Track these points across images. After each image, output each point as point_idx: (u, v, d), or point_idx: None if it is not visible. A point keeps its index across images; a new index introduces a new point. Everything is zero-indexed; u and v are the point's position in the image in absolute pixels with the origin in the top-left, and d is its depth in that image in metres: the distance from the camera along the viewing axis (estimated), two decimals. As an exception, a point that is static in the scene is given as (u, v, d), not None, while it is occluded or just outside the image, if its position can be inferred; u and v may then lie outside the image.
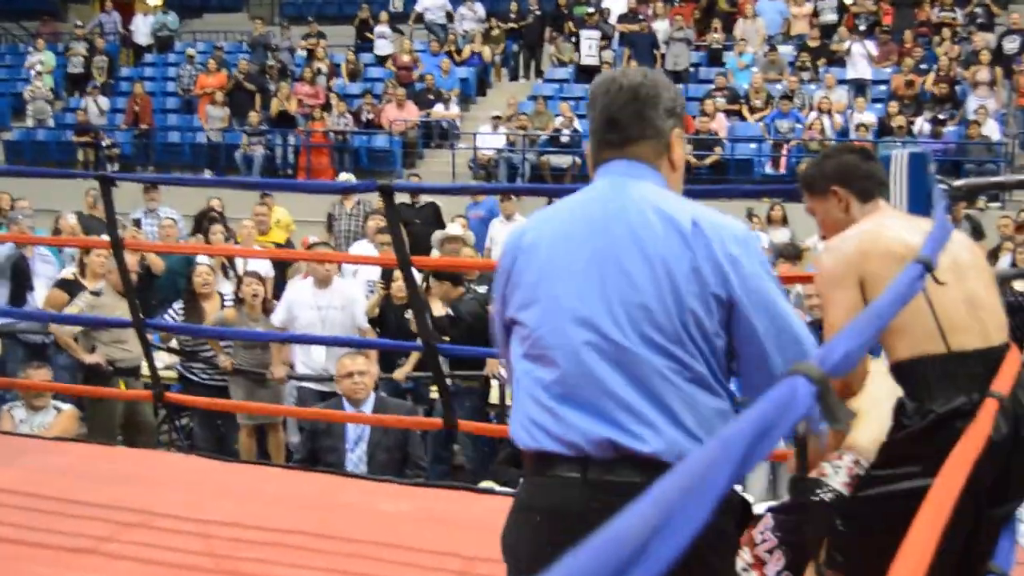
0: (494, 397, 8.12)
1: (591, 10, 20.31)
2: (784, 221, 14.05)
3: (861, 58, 18.61)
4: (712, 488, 0.93)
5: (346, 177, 16.28)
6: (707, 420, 2.31)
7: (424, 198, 14.44)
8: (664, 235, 2.38)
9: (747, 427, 1.10)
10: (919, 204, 4.09)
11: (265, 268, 10.33)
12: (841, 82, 18.42)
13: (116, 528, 4.83)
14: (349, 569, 4.38)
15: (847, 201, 3.36)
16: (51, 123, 21.27)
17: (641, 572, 0.76)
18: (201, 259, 9.04)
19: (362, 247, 11.24)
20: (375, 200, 12.15)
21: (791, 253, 9.41)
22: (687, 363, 2.33)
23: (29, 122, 21.42)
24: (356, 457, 6.70)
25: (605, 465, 2.30)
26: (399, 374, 8.00)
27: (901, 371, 3.15)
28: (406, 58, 20.45)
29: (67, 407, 7.43)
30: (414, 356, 8.10)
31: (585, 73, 19.56)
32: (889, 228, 3.21)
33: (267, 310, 8.28)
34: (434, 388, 7.95)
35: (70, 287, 9.10)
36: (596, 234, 2.43)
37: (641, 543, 0.78)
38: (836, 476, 3.23)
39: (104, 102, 20.82)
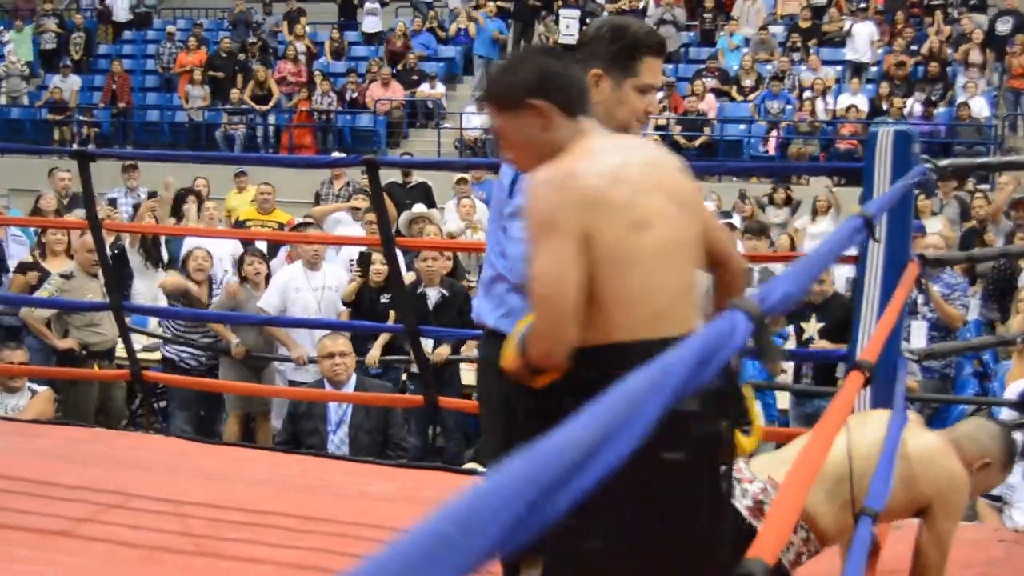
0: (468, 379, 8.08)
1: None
2: (787, 202, 14.09)
3: (864, 39, 18.59)
4: (649, 410, 0.99)
5: (337, 156, 16.27)
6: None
7: (415, 178, 14.46)
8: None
9: (688, 355, 1.17)
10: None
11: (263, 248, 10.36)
12: (830, 63, 18.47)
13: (94, 510, 4.85)
14: (331, 549, 4.40)
15: (549, 116, 2.66)
16: (25, 101, 21.15)
17: (575, 484, 0.81)
18: (194, 243, 9.02)
19: (340, 225, 11.25)
20: (364, 182, 12.13)
21: (755, 229, 9.45)
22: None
23: (3, 100, 21.30)
24: (338, 439, 6.73)
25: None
26: (369, 358, 7.98)
27: (604, 355, 2.54)
28: (399, 43, 20.38)
29: (42, 389, 7.43)
30: (382, 339, 8.07)
31: (569, 52, 19.53)
32: (612, 165, 2.58)
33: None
34: (407, 371, 8.00)
35: (32, 269, 9.10)
36: None
37: (581, 457, 0.82)
38: (742, 498, 3.15)
39: (77, 80, 20.71)
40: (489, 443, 3.24)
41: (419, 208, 10.92)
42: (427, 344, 7.24)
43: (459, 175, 13.04)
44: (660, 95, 17.88)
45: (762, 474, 3.19)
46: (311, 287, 8.15)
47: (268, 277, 8.45)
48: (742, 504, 3.12)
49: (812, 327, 7.17)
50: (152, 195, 12.50)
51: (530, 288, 2.54)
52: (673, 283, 2.58)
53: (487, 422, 3.27)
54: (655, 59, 2.99)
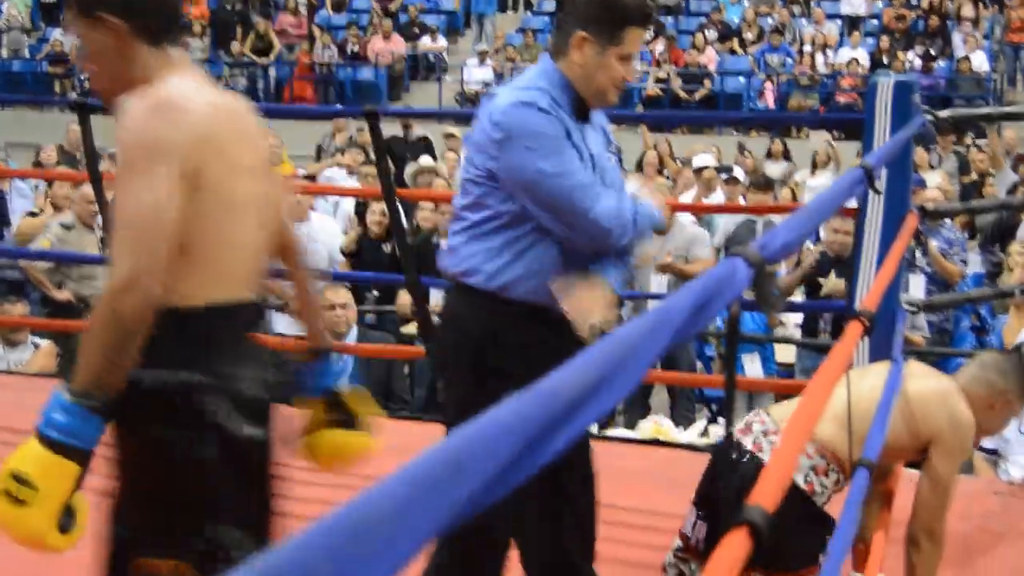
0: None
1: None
2: (784, 155, 14.06)
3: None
4: (648, 354, 0.98)
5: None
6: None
7: (416, 131, 14.41)
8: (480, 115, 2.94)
9: (687, 299, 1.15)
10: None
11: None
12: (832, 16, 18.37)
13: (94, 462, 4.84)
14: (332, 500, 4.40)
15: (123, 38, 2.31)
16: (26, 54, 21.03)
17: (571, 426, 0.80)
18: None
19: (335, 177, 11.24)
20: (366, 136, 12.11)
21: (761, 183, 9.42)
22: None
23: (4, 53, 21.19)
24: (339, 391, 6.71)
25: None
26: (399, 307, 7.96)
27: (204, 318, 2.31)
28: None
29: (45, 343, 7.41)
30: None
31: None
32: (214, 102, 2.33)
33: None
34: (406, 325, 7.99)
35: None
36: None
37: (572, 402, 0.81)
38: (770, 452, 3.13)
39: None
40: (450, 399, 3.13)
41: (425, 160, 10.87)
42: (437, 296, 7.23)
43: (448, 130, 13.00)
44: (660, 48, 17.82)
45: (783, 423, 3.18)
46: None
47: None
48: (769, 458, 3.09)
49: (831, 283, 7.12)
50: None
51: (119, 225, 2.19)
52: (257, 241, 2.40)
53: (448, 377, 3.20)
54: (641, 30, 2.99)
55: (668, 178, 11.65)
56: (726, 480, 3.19)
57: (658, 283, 7.51)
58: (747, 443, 3.19)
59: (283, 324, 7.96)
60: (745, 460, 3.17)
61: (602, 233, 2.83)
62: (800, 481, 3.08)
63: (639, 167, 12.58)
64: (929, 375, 3.43)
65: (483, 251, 2.89)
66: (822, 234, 7.87)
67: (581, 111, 2.96)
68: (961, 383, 3.37)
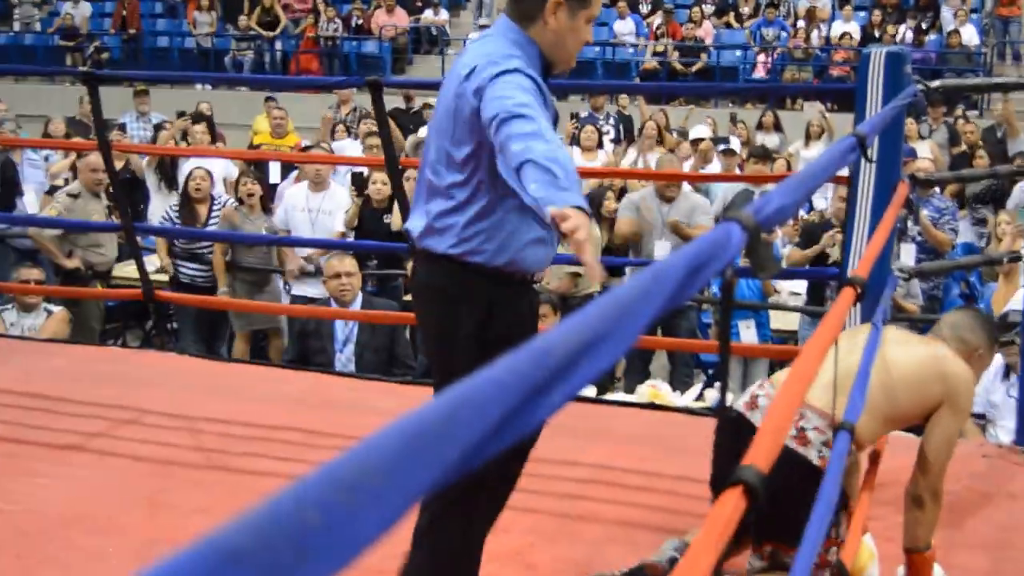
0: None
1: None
2: (776, 127, 14.02)
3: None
4: (642, 315, 0.97)
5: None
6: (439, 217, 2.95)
7: (418, 103, 14.35)
8: (452, 87, 2.91)
9: (680, 262, 1.14)
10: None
11: (275, 170, 10.38)
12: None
13: (108, 425, 4.86)
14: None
15: None
16: (37, 27, 20.96)
17: (566, 385, 0.79)
18: (195, 163, 8.98)
19: (346, 148, 11.23)
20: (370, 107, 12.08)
21: (759, 153, 9.47)
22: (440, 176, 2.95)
23: (16, 26, 21.12)
24: (345, 357, 6.73)
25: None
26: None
27: None
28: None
29: (58, 309, 7.42)
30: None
31: None
32: None
33: (265, 208, 8.31)
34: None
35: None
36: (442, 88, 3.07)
37: (566, 360, 0.79)
38: None
39: (88, 6, 20.48)
40: (441, 368, 3.14)
41: (424, 132, 10.89)
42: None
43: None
44: (658, 21, 17.75)
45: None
46: (307, 207, 8.25)
47: (263, 199, 8.40)
48: (788, 436, 3.08)
49: (836, 252, 7.10)
50: (158, 128, 12.48)
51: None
52: None
53: (428, 345, 3.26)
54: None
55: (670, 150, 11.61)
56: (739, 455, 3.17)
57: (661, 249, 7.52)
58: (755, 420, 3.17)
59: (312, 289, 8.00)
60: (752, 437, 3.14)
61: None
62: (814, 458, 3.06)
63: (628, 135, 12.58)
64: (915, 341, 3.43)
65: (482, 233, 2.91)
66: (829, 204, 7.88)
67: (545, 77, 2.94)
68: (948, 343, 3.39)
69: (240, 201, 8.28)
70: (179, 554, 0.49)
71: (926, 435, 3.34)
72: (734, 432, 3.22)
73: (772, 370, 5.97)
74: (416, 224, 3.03)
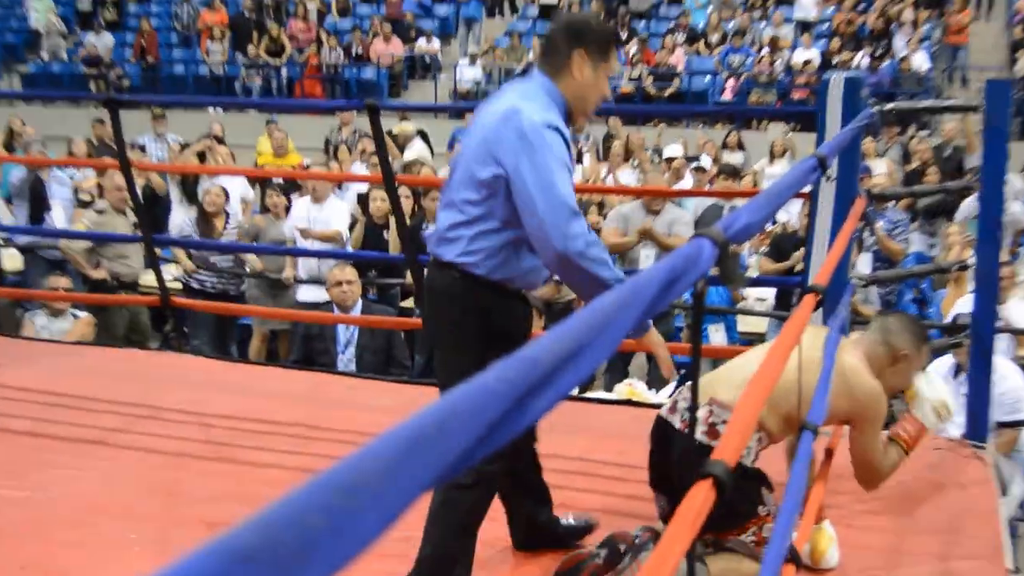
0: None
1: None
2: (739, 146, 14.05)
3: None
4: (621, 325, 0.97)
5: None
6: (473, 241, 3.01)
7: (414, 126, 14.40)
8: (492, 120, 2.97)
9: (657, 276, 1.15)
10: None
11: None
12: (788, 20, 18.34)
13: (127, 421, 4.85)
14: (336, 455, 4.40)
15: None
16: (64, 56, 20.95)
17: (548, 395, 0.78)
18: (209, 180, 9.09)
19: (356, 169, 11.30)
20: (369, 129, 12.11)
21: (729, 171, 9.51)
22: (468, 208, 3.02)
23: (44, 56, 21.10)
24: (346, 358, 6.72)
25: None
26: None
27: None
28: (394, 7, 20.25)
29: (84, 314, 7.42)
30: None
31: (546, 12, 19.79)
32: None
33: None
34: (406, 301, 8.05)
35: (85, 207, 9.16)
36: (475, 122, 3.10)
37: (552, 368, 0.79)
38: (699, 427, 3.10)
39: (110, 37, 20.47)
40: (442, 364, 3.27)
41: (410, 154, 10.98)
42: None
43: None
44: (634, 49, 17.79)
45: (703, 397, 3.17)
46: (307, 218, 8.48)
47: (287, 208, 8.75)
48: (700, 432, 3.09)
49: (796, 258, 7.14)
50: (184, 147, 12.51)
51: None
52: None
53: (435, 341, 3.33)
54: (617, 50, 3.16)
55: (636, 167, 11.67)
56: (667, 455, 3.20)
57: (647, 257, 7.54)
58: (675, 422, 3.19)
59: (318, 294, 8.04)
60: (675, 438, 3.17)
61: (570, 253, 2.86)
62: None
63: (607, 154, 12.65)
64: (853, 349, 3.39)
65: (484, 250, 3.01)
66: (795, 219, 7.91)
67: (567, 124, 3.05)
68: (864, 350, 3.37)
69: (266, 209, 8.69)
70: (194, 553, 0.48)
71: (851, 451, 3.34)
72: (661, 435, 3.24)
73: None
74: (433, 232, 3.16)
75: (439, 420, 0.64)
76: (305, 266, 8.37)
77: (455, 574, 3.10)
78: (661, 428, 3.24)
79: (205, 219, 8.39)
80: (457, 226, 3.03)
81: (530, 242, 2.94)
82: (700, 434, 3.09)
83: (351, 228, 8.78)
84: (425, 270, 3.31)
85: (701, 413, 3.12)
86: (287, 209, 8.71)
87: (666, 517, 3.24)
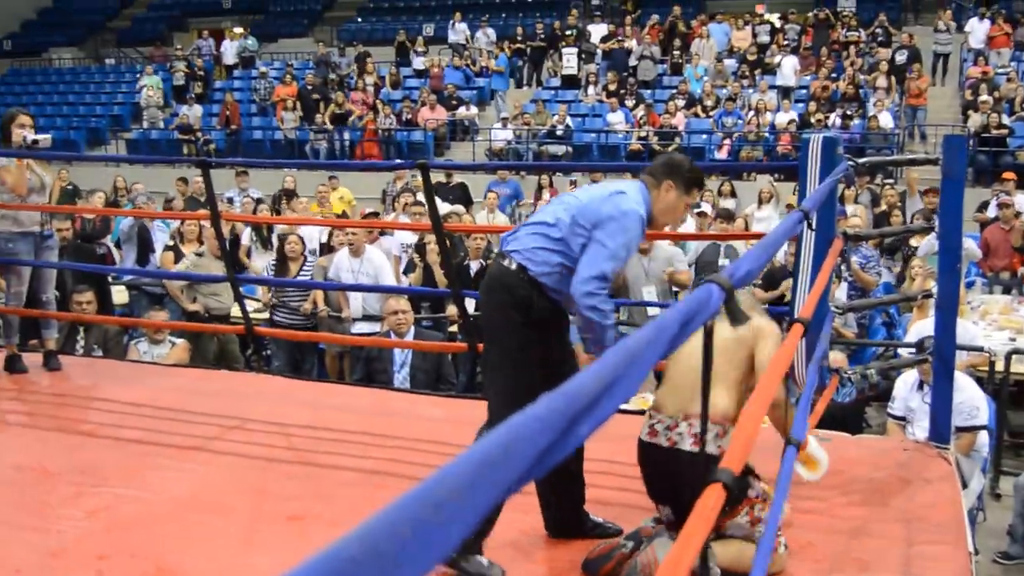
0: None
1: (570, 32, 20.39)
2: (732, 193, 14.09)
3: (789, 69, 18.56)
4: (649, 360, 0.98)
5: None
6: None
7: (455, 179, 14.53)
8: (600, 192, 3.32)
9: (675, 316, 1.16)
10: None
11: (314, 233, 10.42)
12: (772, 87, 18.34)
13: (219, 431, 4.87)
14: (398, 459, 4.41)
15: None
16: (161, 125, 21.22)
17: (590, 420, 0.79)
18: (288, 229, 9.03)
19: (401, 219, 11.27)
20: (417, 183, 12.18)
21: (725, 215, 9.51)
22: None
23: (144, 124, 21.40)
24: (401, 377, 6.73)
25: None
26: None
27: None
28: (435, 70, 20.39)
29: (181, 341, 7.46)
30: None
31: (568, 81, 20.10)
32: None
33: (355, 253, 8.46)
34: (452, 327, 8.03)
35: (174, 250, 9.22)
36: (582, 189, 3.48)
37: (593, 398, 0.80)
38: (683, 443, 3.15)
39: (199, 108, 20.72)
40: (491, 354, 3.39)
41: (447, 207, 11.03)
42: (470, 304, 7.26)
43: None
44: (641, 112, 17.81)
45: (678, 414, 3.18)
46: (351, 269, 8.16)
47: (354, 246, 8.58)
48: (686, 445, 3.11)
49: (785, 286, 7.09)
50: (260, 201, 12.63)
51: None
52: None
53: (488, 322, 3.40)
54: (700, 191, 3.57)
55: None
56: (662, 471, 3.18)
57: (648, 293, 7.52)
58: (661, 442, 3.18)
59: (363, 328, 8.03)
60: (666, 455, 3.17)
61: (583, 297, 3.17)
62: (713, 451, 3.06)
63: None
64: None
65: (546, 262, 3.27)
66: (783, 256, 7.95)
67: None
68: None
69: (331, 249, 8.79)
70: (310, 560, 0.49)
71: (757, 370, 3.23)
72: (649, 457, 3.22)
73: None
74: (510, 235, 3.40)
75: (504, 444, 0.65)
76: (353, 304, 8.27)
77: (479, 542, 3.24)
78: (647, 452, 3.23)
79: (282, 263, 8.41)
80: (535, 236, 3.30)
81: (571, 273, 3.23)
82: (689, 446, 3.10)
83: (407, 271, 8.74)
84: (488, 262, 3.50)
85: (683, 428, 3.13)
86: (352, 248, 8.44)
87: (671, 522, 3.23)
